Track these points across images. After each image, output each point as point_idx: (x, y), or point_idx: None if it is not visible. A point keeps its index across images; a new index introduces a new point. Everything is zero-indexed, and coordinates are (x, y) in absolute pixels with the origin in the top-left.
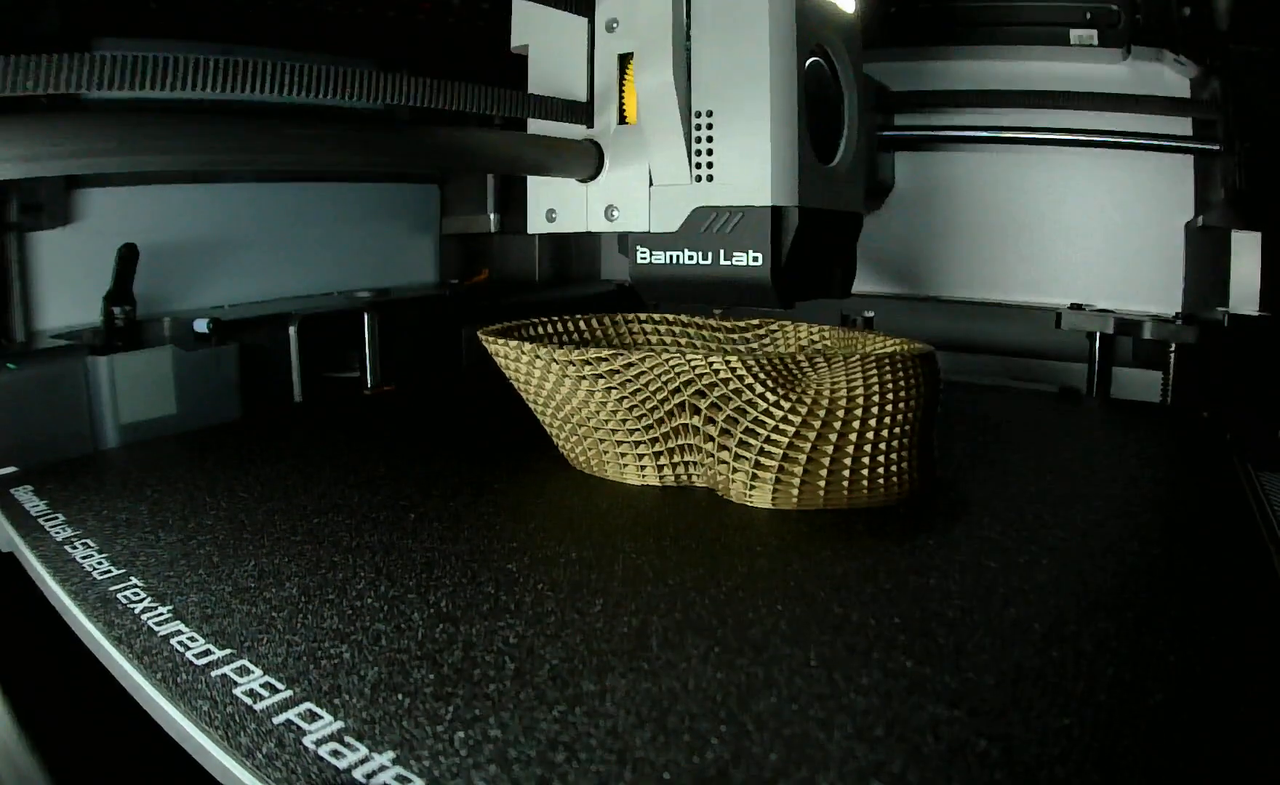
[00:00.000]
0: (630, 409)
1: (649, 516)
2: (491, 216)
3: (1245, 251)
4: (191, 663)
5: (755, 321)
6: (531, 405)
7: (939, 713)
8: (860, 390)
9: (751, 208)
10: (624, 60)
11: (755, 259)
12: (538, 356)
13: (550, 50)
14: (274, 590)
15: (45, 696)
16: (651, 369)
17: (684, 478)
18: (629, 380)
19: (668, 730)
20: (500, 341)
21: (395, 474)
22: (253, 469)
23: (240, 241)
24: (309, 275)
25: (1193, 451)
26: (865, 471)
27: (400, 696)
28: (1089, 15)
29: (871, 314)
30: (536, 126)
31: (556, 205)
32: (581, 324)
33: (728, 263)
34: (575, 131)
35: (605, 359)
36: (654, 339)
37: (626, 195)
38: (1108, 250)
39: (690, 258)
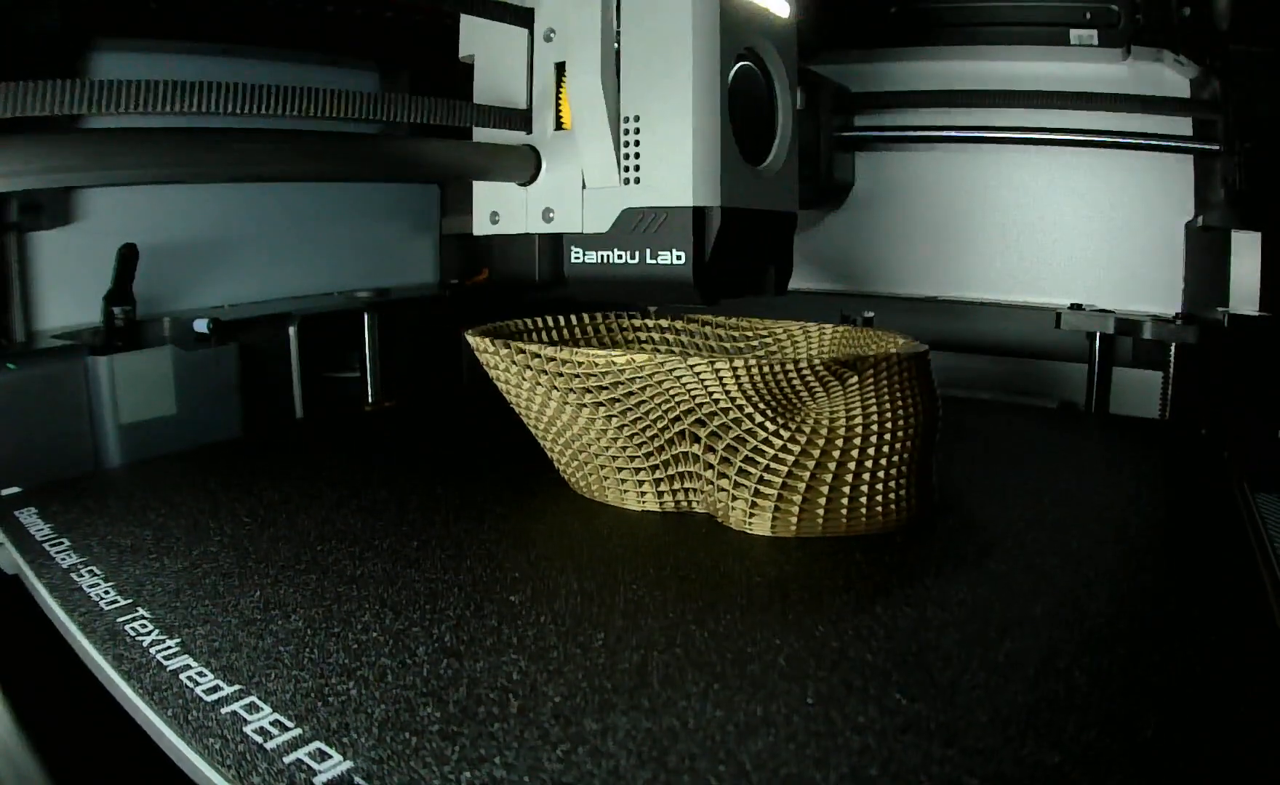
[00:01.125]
0: (630, 436)
1: (649, 545)
2: None
3: (1245, 251)
4: (201, 699)
5: (757, 323)
6: (530, 426)
7: (933, 751)
8: (859, 419)
9: (675, 208)
10: (560, 68)
11: (678, 257)
12: (538, 383)
13: (494, 59)
14: (280, 622)
15: (45, 697)
16: (652, 397)
17: (684, 503)
18: (629, 408)
19: (669, 769)
20: (494, 353)
21: (397, 498)
22: (255, 491)
23: (240, 241)
24: (309, 275)
25: (1190, 472)
26: (864, 499)
27: (407, 735)
28: (1089, 15)
29: (871, 314)
30: (482, 134)
31: (500, 207)
32: (573, 319)
33: (653, 261)
34: (516, 138)
35: (606, 386)
36: (655, 338)
37: (562, 197)
38: (1108, 250)
39: (619, 257)
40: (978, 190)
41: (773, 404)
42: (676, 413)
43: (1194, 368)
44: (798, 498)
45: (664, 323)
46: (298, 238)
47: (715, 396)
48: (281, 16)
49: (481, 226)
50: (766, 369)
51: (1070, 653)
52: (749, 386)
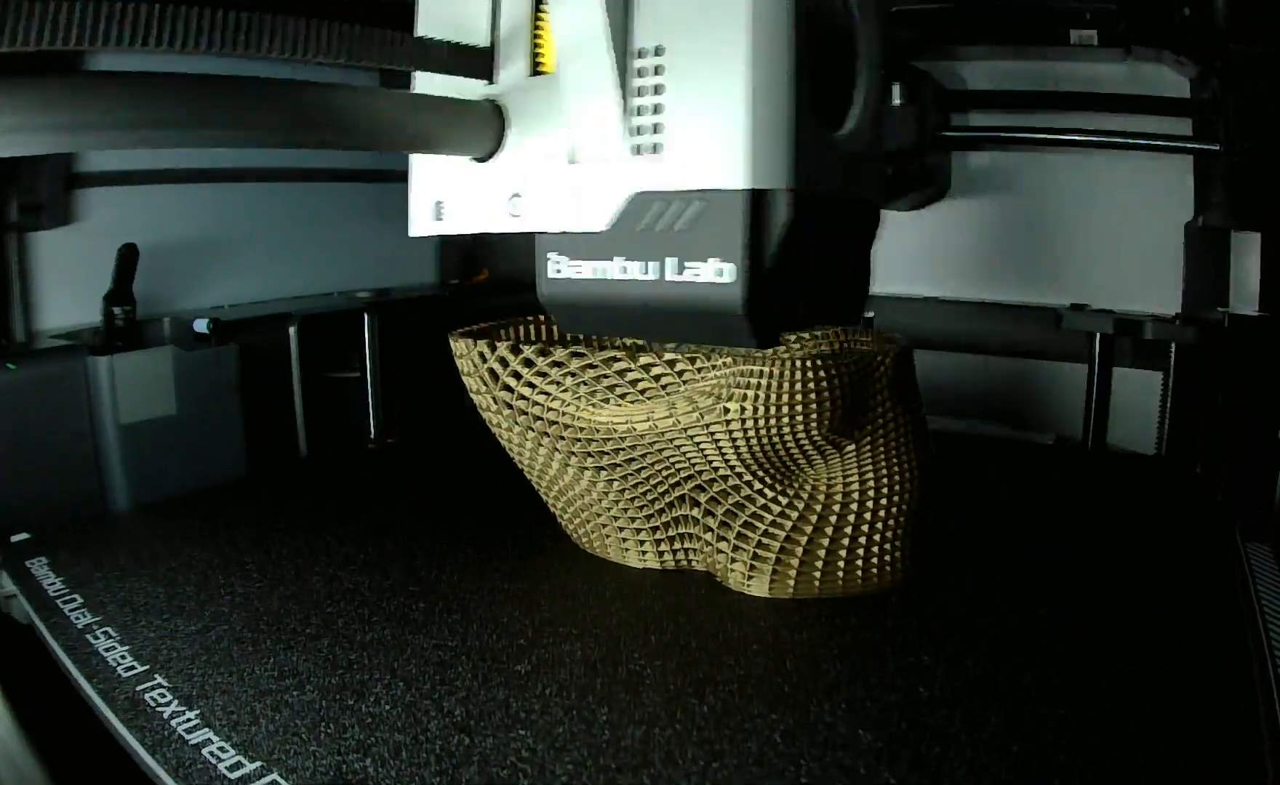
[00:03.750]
0: (631, 499)
1: (650, 608)
2: None
3: (1245, 251)
4: (226, 777)
5: None
6: (525, 472)
7: None
8: (856, 484)
9: (718, 193)
10: None
11: (721, 273)
12: (529, 429)
13: None
14: (295, 694)
15: (45, 697)
16: (651, 464)
17: (683, 561)
18: (629, 474)
19: None
20: (484, 394)
21: (402, 553)
22: (263, 544)
23: (240, 241)
24: (309, 275)
25: (1184, 524)
26: (860, 561)
27: None
28: (1089, 15)
29: (871, 314)
30: (427, 85)
31: (446, 196)
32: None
33: (678, 278)
34: (474, 89)
35: (607, 452)
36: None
37: (536, 177)
38: (1108, 250)
39: (624, 271)
40: (976, 190)
41: (771, 471)
42: (676, 478)
43: (1194, 368)
44: (795, 561)
45: None
46: (298, 238)
47: (714, 464)
48: None
49: (421, 224)
50: (765, 438)
51: (1054, 731)
52: (748, 455)
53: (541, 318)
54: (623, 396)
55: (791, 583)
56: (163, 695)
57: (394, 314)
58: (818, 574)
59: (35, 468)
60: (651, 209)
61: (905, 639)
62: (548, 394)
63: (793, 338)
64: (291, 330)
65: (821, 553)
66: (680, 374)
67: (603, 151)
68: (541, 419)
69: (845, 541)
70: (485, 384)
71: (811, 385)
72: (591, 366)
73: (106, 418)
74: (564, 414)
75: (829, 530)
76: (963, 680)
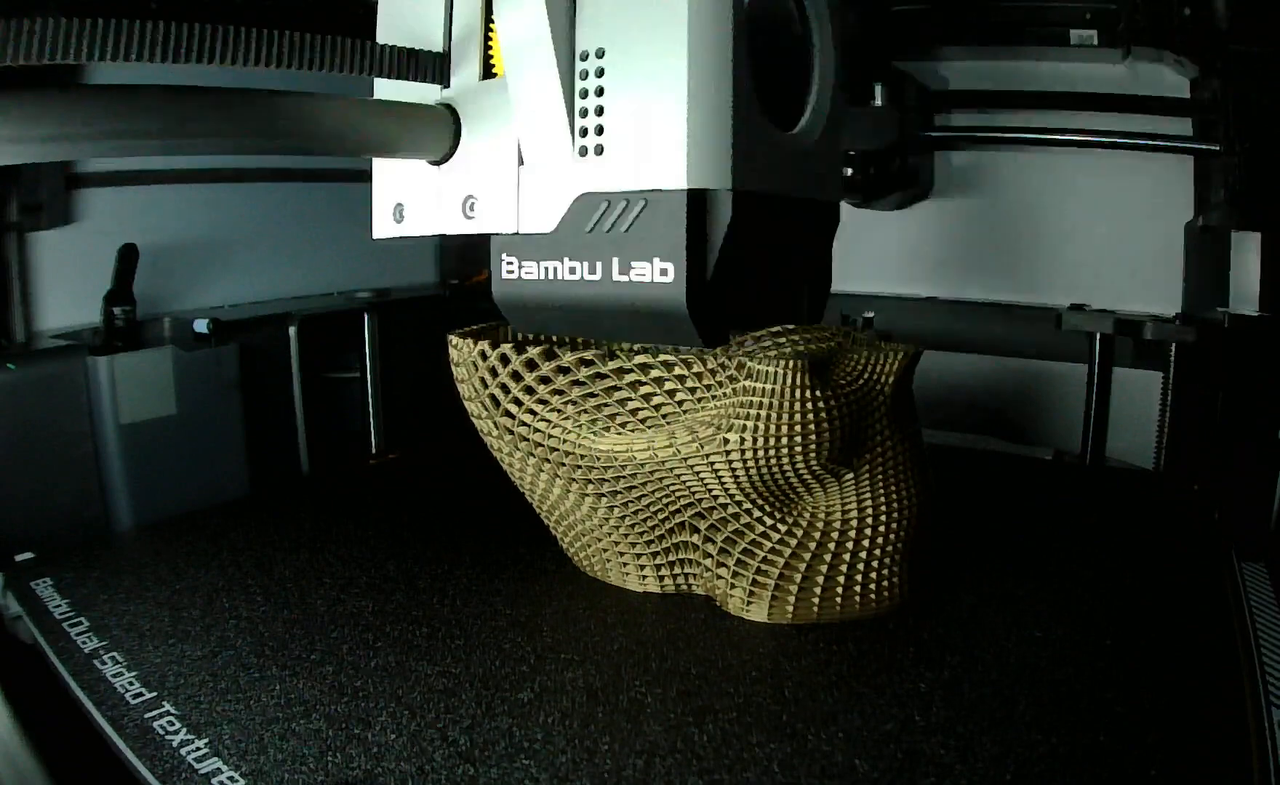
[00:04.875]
0: (632, 525)
1: (651, 634)
2: None
3: (1245, 251)
4: None
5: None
6: (524, 494)
7: None
8: (854, 511)
9: (658, 193)
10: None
11: (664, 272)
12: (531, 455)
13: None
14: (301, 722)
15: (53, 719)
16: (651, 491)
17: (683, 585)
18: (630, 501)
19: None
20: (486, 419)
21: (405, 575)
22: (265, 565)
23: (240, 241)
24: (309, 275)
25: (1182, 543)
26: (858, 587)
27: None
28: (1089, 15)
29: (871, 314)
30: (386, 91)
31: (405, 198)
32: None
33: (623, 278)
34: (429, 95)
35: (607, 479)
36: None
37: (489, 180)
38: (1108, 250)
39: (572, 271)
40: (975, 190)
41: (770, 499)
42: (677, 505)
43: (1194, 368)
44: (794, 587)
45: None
46: (298, 238)
47: (714, 492)
48: None
49: (383, 226)
50: (765, 468)
51: (1045, 758)
52: (747, 484)
53: None
54: (624, 425)
55: (790, 608)
56: (171, 723)
57: (394, 314)
58: (816, 599)
59: (35, 468)
60: (597, 210)
61: (901, 665)
62: (548, 421)
63: (786, 338)
64: (291, 330)
65: (820, 578)
66: (680, 403)
67: (549, 153)
68: (542, 445)
69: (844, 567)
70: (486, 408)
71: (811, 416)
72: (592, 395)
73: (106, 418)
74: (564, 441)
75: (827, 556)
76: (958, 707)
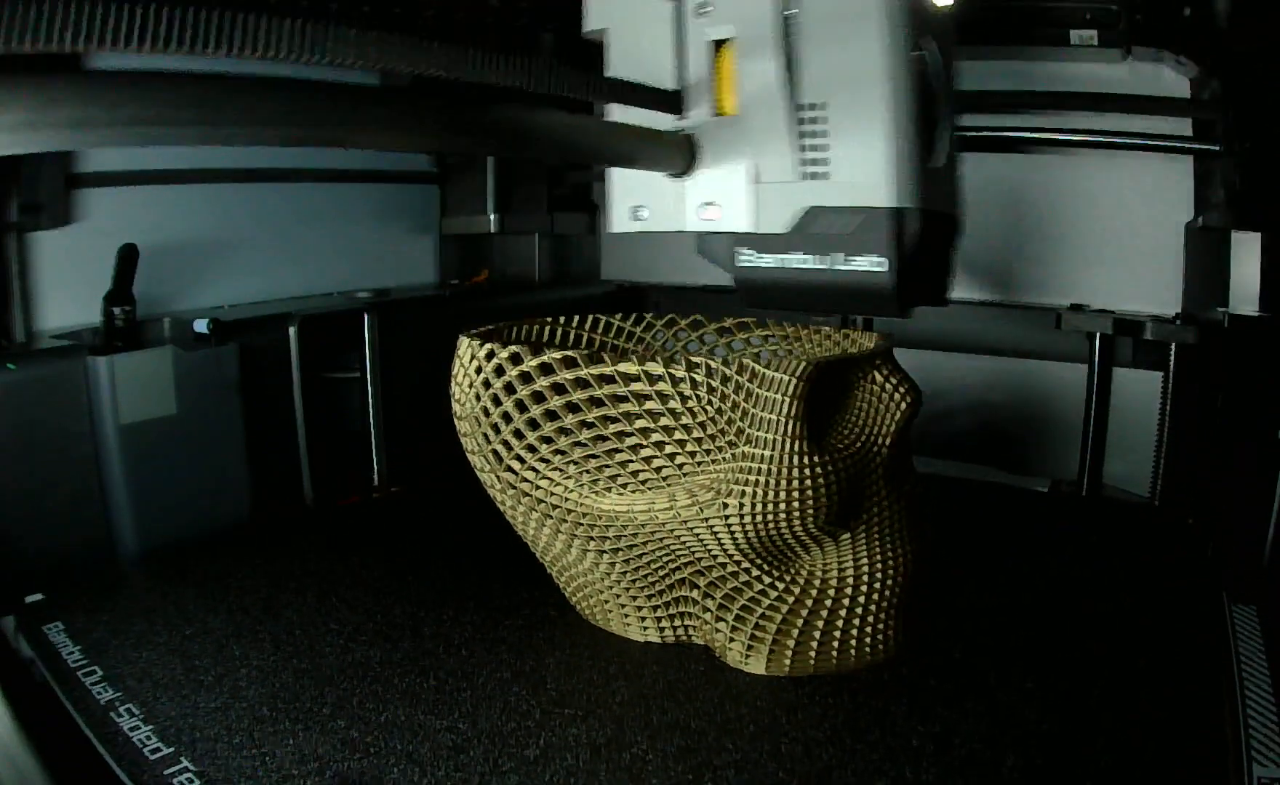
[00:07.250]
0: (633, 579)
1: (651, 687)
2: (491, 217)
3: (1245, 251)
4: None
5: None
6: (533, 550)
7: None
8: (850, 568)
9: (871, 209)
10: (717, 46)
11: (878, 264)
12: (534, 511)
13: (631, 34)
14: (316, 780)
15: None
16: (652, 551)
17: (683, 636)
18: (631, 557)
19: None
20: (488, 473)
21: (410, 621)
22: (274, 609)
23: (240, 241)
24: (309, 275)
25: (1175, 585)
26: (854, 641)
27: None
28: (1089, 15)
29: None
30: (614, 116)
31: (647, 201)
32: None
33: (845, 267)
34: (664, 123)
35: (609, 536)
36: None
37: (727, 192)
38: (1108, 250)
39: (802, 261)
40: (975, 191)
41: (769, 558)
42: (676, 562)
43: (1194, 368)
44: (791, 641)
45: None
46: (298, 238)
47: (713, 552)
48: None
49: (621, 223)
50: (763, 530)
51: None
52: (745, 545)
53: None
54: (625, 486)
55: (788, 661)
56: (190, 779)
57: (394, 314)
58: (813, 653)
59: (35, 468)
60: (822, 218)
61: (894, 719)
62: (551, 480)
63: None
64: (291, 330)
65: (817, 633)
66: (681, 467)
67: (781, 175)
68: (544, 501)
69: (840, 622)
70: (489, 463)
71: (809, 481)
72: (593, 457)
73: (106, 418)
74: (567, 499)
75: (824, 612)
76: (949, 761)
